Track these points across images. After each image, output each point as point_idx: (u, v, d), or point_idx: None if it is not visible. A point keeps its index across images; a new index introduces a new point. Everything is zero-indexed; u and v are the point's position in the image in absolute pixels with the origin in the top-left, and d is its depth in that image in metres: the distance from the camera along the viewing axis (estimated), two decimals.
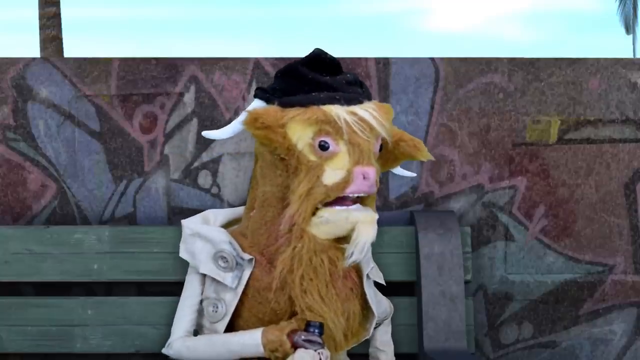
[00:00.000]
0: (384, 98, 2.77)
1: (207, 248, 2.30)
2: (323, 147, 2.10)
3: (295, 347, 2.15)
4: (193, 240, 2.33)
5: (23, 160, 2.75)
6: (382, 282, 2.42)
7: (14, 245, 2.59)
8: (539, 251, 2.81)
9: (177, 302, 2.59)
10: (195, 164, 2.76)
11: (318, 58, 2.18)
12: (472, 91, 2.79)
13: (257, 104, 2.21)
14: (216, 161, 2.76)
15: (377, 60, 2.77)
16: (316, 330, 2.15)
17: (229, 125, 2.25)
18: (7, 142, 2.74)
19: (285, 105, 2.15)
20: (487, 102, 2.79)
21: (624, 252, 2.83)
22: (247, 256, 2.25)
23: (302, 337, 2.15)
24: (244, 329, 2.26)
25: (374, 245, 2.62)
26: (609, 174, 2.82)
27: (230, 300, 2.25)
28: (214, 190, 2.76)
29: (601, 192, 2.82)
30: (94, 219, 2.75)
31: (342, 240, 2.16)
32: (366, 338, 2.32)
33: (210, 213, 2.42)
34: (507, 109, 2.79)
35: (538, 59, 2.80)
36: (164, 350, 2.31)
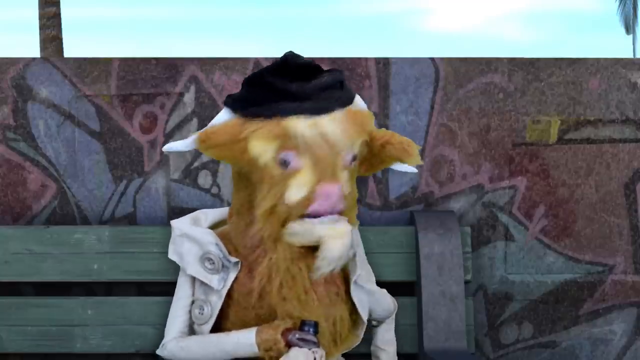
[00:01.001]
0: (384, 98, 2.77)
1: (194, 249, 2.27)
2: (284, 163, 2.02)
3: (289, 345, 2.13)
4: (181, 242, 2.30)
5: (23, 160, 2.75)
6: (374, 287, 2.38)
7: (14, 245, 2.59)
8: (539, 251, 2.81)
9: None
10: (195, 164, 2.76)
11: (286, 63, 2.06)
12: (472, 91, 2.79)
13: (223, 114, 2.12)
14: (216, 161, 2.76)
15: (377, 60, 2.77)
16: (311, 329, 2.14)
17: (190, 138, 2.13)
18: (7, 142, 2.74)
19: (248, 116, 2.06)
20: (487, 102, 2.79)
21: (624, 252, 2.83)
22: (233, 259, 2.21)
23: (297, 336, 2.13)
24: (230, 329, 2.25)
25: (374, 245, 2.63)
26: (609, 174, 2.82)
27: (216, 302, 2.23)
28: (214, 190, 2.76)
29: (601, 192, 2.82)
30: (94, 219, 2.76)
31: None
32: (356, 344, 2.29)
33: (200, 213, 2.38)
34: (507, 109, 2.79)
35: (538, 59, 2.80)
36: (158, 352, 2.30)
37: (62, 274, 2.60)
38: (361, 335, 2.28)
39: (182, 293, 2.32)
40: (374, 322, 2.47)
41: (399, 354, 2.60)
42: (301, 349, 2.12)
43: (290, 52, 2.09)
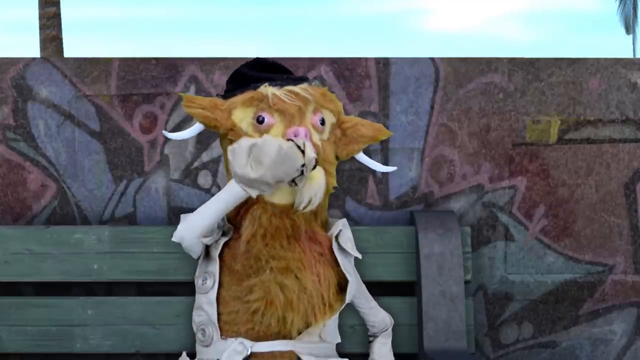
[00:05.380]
0: (384, 98, 2.77)
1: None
2: (260, 121, 2.26)
3: None
4: (185, 216, 2.36)
5: (23, 160, 2.75)
6: (358, 255, 2.35)
7: (14, 245, 2.59)
8: (539, 251, 2.81)
9: (177, 302, 2.60)
10: (195, 164, 2.76)
11: (259, 61, 2.37)
12: (472, 91, 2.79)
13: None
14: (216, 161, 2.76)
15: (377, 60, 2.77)
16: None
17: (190, 128, 2.35)
18: (7, 142, 2.74)
19: (227, 98, 2.34)
20: (487, 102, 2.79)
21: (624, 252, 2.83)
22: (228, 225, 2.34)
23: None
24: (224, 299, 2.29)
25: (374, 245, 2.63)
26: (609, 174, 2.82)
27: (215, 270, 2.31)
28: (214, 190, 2.76)
29: (601, 192, 2.82)
30: (94, 219, 2.76)
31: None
32: (340, 309, 2.30)
33: None
34: (507, 109, 2.79)
35: (538, 59, 2.80)
36: (173, 238, 2.31)
37: (62, 274, 2.60)
38: (347, 298, 2.30)
39: None
40: (370, 338, 2.50)
41: (399, 354, 2.61)
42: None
43: (263, 57, 2.41)
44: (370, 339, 2.49)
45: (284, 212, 2.23)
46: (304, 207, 2.19)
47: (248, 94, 2.29)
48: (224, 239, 2.31)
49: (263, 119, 2.26)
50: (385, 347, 2.47)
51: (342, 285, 2.32)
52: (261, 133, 2.26)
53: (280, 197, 2.22)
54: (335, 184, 2.30)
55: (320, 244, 2.29)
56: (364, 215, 2.78)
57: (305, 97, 2.28)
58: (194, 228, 2.28)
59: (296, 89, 2.29)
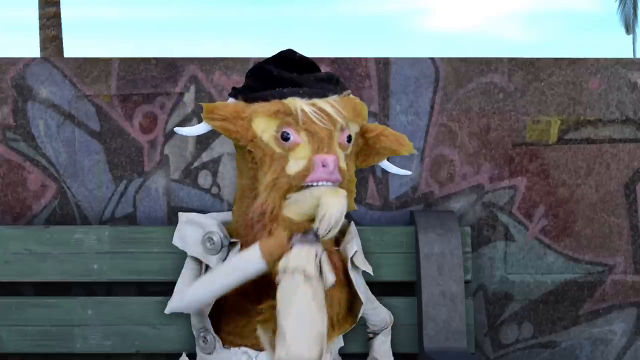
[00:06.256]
0: (384, 98, 2.77)
1: (197, 233, 2.32)
2: (285, 137, 2.15)
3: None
4: (185, 227, 2.35)
5: (23, 160, 2.75)
6: (369, 270, 2.36)
7: (14, 245, 2.59)
8: (539, 251, 2.81)
9: None
10: (195, 164, 2.76)
11: (286, 56, 2.24)
12: (472, 91, 2.79)
13: (228, 102, 2.26)
14: (216, 161, 2.76)
15: (377, 60, 2.77)
16: (313, 235, 2.11)
17: (202, 124, 2.26)
18: (7, 142, 2.74)
19: (249, 100, 2.21)
20: (487, 102, 2.79)
21: (624, 252, 2.83)
22: (232, 240, 2.27)
23: (298, 236, 2.12)
24: (230, 313, 2.26)
25: (374, 245, 2.63)
26: (609, 174, 2.82)
27: None
28: (214, 190, 2.77)
29: (601, 192, 2.82)
30: (94, 219, 2.76)
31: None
32: (352, 326, 2.29)
33: (209, 215, 2.43)
34: (507, 109, 2.80)
35: (538, 59, 2.80)
36: (166, 310, 2.27)
37: (62, 274, 2.60)
38: (358, 317, 2.28)
39: (189, 268, 2.33)
40: (370, 335, 2.49)
41: (399, 354, 2.61)
42: (302, 246, 2.10)
43: (289, 49, 2.25)
44: (370, 335, 2.49)
45: (300, 230, 2.14)
46: (322, 237, 2.11)
47: (274, 106, 2.16)
48: (232, 255, 2.24)
49: (288, 136, 2.15)
50: (385, 345, 2.47)
51: (352, 301, 2.29)
52: (285, 150, 2.14)
53: (295, 213, 2.15)
54: (354, 205, 2.24)
55: (334, 265, 2.22)
56: (364, 215, 2.78)
57: (335, 120, 2.16)
58: (191, 306, 2.21)
59: (327, 107, 2.17)
